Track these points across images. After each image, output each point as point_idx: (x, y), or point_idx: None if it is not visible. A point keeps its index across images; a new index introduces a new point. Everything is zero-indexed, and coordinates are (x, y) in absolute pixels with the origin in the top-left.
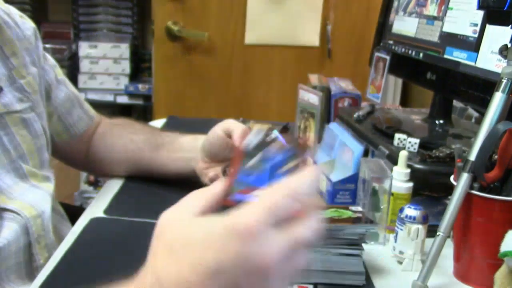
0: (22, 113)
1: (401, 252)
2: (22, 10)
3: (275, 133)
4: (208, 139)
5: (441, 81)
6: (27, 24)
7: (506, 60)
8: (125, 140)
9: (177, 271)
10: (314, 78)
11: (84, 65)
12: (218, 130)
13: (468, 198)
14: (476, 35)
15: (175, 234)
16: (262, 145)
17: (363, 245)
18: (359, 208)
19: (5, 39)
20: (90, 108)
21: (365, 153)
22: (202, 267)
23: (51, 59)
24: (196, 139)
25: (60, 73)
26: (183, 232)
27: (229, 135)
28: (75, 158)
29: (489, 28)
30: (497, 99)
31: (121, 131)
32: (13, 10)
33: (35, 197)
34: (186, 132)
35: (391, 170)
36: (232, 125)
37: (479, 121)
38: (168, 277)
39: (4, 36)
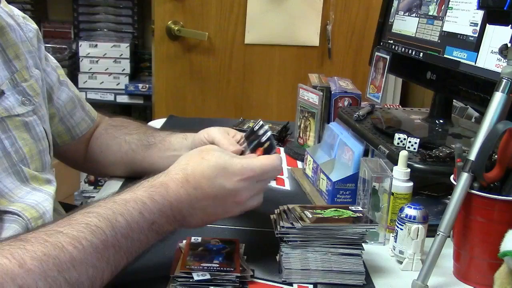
0: (23, 116)
1: (401, 252)
2: (23, 10)
3: (260, 122)
4: (195, 143)
5: (441, 81)
6: (30, 26)
7: (506, 60)
8: (120, 141)
9: (200, 176)
10: (314, 78)
11: (84, 65)
12: (202, 137)
13: (468, 198)
14: (476, 35)
15: (208, 156)
16: (252, 133)
17: (363, 245)
18: (359, 208)
19: (8, 42)
20: (91, 109)
21: (365, 153)
22: (215, 182)
23: (53, 60)
24: (186, 138)
25: (62, 74)
26: (214, 156)
27: (211, 142)
28: (74, 159)
29: (489, 27)
30: (497, 99)
31: (116, 132)
32: (16, 12)
33: (36, 199)
34: (185, 132)
35: (391, 170)
36: (217, 136)
37: (479, 121)
38: (193, 176)
39: (7, 38)
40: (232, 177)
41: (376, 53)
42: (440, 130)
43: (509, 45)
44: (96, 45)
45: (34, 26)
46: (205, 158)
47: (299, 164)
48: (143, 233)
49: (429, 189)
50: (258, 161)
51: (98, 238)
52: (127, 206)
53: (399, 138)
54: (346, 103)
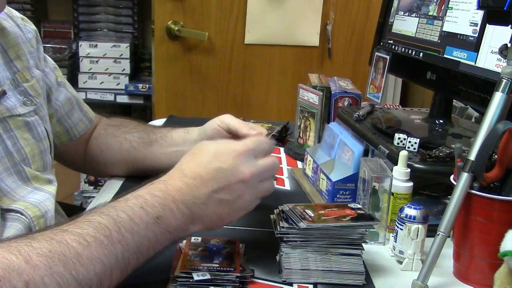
0: (25, 116)
1: (401, 252)
2: (23, 9)
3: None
4: (206, 133)
5: (441, 81)
6: (29, 27)
7: (506, 60)
8: (120, 139)
9: (195, 166)
10: (314, 78)
11: (84, 65)
12: (214, 125)
13: (468, 198)
14: (476, 35)
15: (198, 149)
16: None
17: (363, 245)
18: (358, 205)
19: (9, 43)
20: (89, 109)
21: (365, 153)
22: (210, 166)
23: (51, 61)
24: (188, 132)
25: (60, 76)
26: (203, 147)
27: (227, 130)
28: (74, 160)
29: (489, 27)
30: (497, 99)
31: (116, 131)
32: (15, 13)
33: (38, 198)
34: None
35: (391, 170)
36: (232, 122)
37: (479, 121)
38: (188, 169)
39: (8, 39)
40: (226, 157)
41: (376, 53)
42: (440, 130)
43: (509, 45)
44: (96, 45)
45: (33, 27)
46: (196, 153)
47: (299, 164)
48: (149, 229)
49: (429, 189)
50: (247, 138)
51: (102, 233)
52: (128, 202)
53: (399, 138)
54: (346, 103)
